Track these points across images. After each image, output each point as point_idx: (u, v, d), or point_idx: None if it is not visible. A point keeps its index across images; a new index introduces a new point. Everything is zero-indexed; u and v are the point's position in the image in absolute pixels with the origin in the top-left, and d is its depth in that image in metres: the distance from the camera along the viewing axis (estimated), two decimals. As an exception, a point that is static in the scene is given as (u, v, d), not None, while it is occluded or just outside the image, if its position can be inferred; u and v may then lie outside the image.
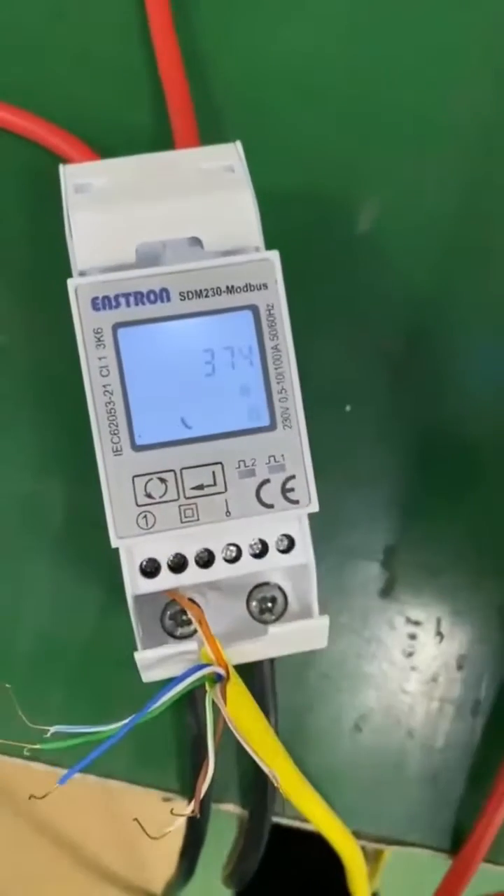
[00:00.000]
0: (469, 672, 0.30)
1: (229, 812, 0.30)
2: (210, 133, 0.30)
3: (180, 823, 0.21)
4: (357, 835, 0.30)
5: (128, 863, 0.46)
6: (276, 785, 0.21)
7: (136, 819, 0.24)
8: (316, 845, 0.30)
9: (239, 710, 0.22)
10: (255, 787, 0.29)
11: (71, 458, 0.29)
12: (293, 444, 0.22)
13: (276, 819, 0.29)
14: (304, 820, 0.29)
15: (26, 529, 0.29)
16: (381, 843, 0.30)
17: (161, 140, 0.30)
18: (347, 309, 0.31)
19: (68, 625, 0.29)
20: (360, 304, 0.31)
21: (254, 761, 0.21)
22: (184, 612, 0.24)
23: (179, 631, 0.24)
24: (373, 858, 0.38)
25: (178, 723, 0.29)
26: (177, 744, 0.29)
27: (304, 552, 0.24)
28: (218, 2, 0.32)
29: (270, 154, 0.31)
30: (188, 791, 0.29)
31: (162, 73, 0.30)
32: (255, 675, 0.27)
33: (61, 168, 0.24)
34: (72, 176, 0.24)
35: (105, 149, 0.29)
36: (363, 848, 0.31)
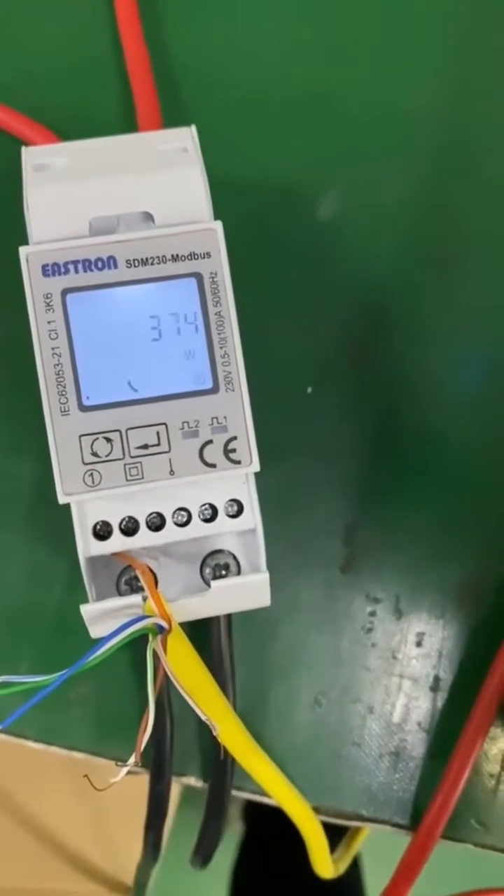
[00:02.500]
0: (428, 648, 0.30)
1: (191, 786, 0.30)
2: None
3: (123, 773, 0.22)
4: (317, 811, 0.30)
5: (95, 845, 0.46)
6: (215, 733, 0.22)
7: (86, 776, 0.24)
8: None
9: (180, 661, 0.23)
10: (215, 760, 0.29)
11: (41, 439, 0.30)
12: (235, 407, 0.23)
13: (236, 792, 0.30)
14: (265, 794, 0.29)
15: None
16: (341, 819, 0.30)
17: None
18: (309, 295, 0.32)
19: (36, 600, 0.30)
20: (321, 290, 0.32)
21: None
22: (138, 578, 0.25)
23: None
24: (351, 835, 0.38)
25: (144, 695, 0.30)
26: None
27: (252, 517, 0.25)
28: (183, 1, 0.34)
29: (233, 146, 0.32)
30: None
31: (128, 65, 0.31)
32: (213, 648, 0.28)
33: (23, 150, 0.26)
34: (32, 156, 0.25)
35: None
36: (334, 825, 0.31)
